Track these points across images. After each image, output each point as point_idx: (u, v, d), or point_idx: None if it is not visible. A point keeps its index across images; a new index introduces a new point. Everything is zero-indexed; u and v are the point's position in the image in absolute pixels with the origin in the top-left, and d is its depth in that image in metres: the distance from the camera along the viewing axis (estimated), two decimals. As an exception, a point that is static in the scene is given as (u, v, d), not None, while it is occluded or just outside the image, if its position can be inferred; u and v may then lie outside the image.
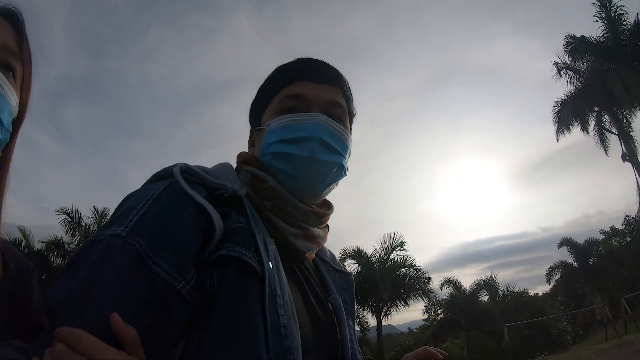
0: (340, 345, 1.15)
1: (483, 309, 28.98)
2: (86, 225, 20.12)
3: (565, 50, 23.62)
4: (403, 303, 24.35)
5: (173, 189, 0.94)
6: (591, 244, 30.37)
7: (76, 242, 19.71)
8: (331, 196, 1.29)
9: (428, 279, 24.59)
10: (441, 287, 29.88)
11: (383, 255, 24.09)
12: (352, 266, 23.74)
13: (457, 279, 30.18)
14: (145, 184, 1.03)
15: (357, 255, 24.65)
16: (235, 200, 1.01)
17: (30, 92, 1.05)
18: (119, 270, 0.81)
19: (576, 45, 23.28)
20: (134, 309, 0.79)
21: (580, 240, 30.01)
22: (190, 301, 0.86)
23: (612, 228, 33.42)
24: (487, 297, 31.21)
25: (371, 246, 24.08)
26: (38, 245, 19.64)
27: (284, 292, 0.96)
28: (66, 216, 19.96)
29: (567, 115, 24.77)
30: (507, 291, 30.74)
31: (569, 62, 23.96)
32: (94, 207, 20.60)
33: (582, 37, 23.10)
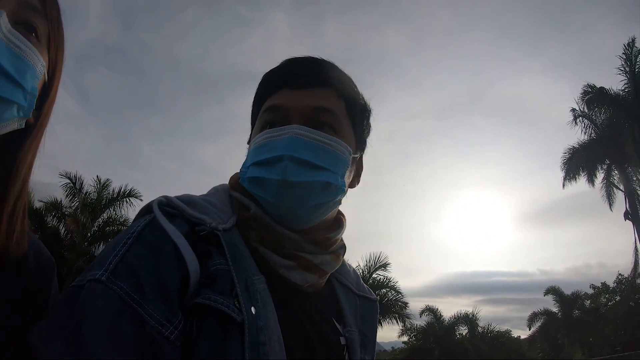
0: None
1: (458, 343, 28.62)
2: (86, 192, 19.68)
3: (582, 99, 23.23)
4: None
5: (153, 226, 0.89)
6: (577, 297, 30.10)
7: (74, 206, 19.29)
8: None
9: (405, 304, 24.33)
10: (421, 314, 29.83)
11: (366, 273, 23.59)
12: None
13: (437, 308, 30.02)
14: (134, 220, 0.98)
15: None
16: (213, 236, 0.93)
17: (62, 53, 0.95)
18: (103, 318, 0.76)
19: (594, 96, 22.81)
20: (124, 357, 0.74)
21: (580, 287, 29.66)
22: (179, 345, 0.81)
23: (603, 284, 32.84)
24: (467, 331, 30.77)
25: (361, 260, 23.76)
26: (38, 204, 18.96)
27: (271, 338, 0.88)
28: (69, 181, 19.57)
29: (576, 164, 24.40)
30: (488, 329, 30.43)
31: (586, 111, 23.63)
32: (97, 177, 20.16)
33: (601, 88, 22.63)
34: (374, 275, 23.80)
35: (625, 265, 31.56)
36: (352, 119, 1.13)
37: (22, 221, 0.89)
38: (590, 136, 23.99)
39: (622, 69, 22.31)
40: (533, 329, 31.70)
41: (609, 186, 25.00)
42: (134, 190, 20.16)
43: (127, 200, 20.04)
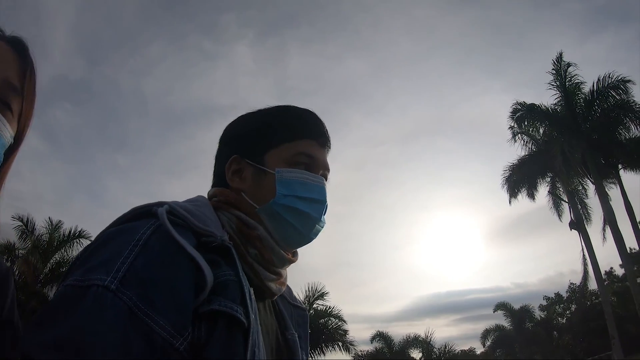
0: None
1: None
2: (39, 234, 19.99)
3: (512, 118, 23.38)
4: (319, 351, 24.30)
5: (161, 234, 0.90)
6: (526, 310, 30.24)
7: (27, 248, 19.51)
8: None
9: (345, 332, 24.78)
10: (372, 340, 30.12)
11: (306, 303, 23.86)
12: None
13: (388, 333, 30.06)
14: (122, 219, 0.98)
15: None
16: (222, 248, 0.99)
17: (30, 123, 1.04)
18: (112, 328, 0.75)
19: (525, 113, 22.97)
20: None
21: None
22: (186, 356, 0.83)
23: (557, 294, 33.11)
24: (421, 355, 30.68)
25: (300, 292, 24.32)
26: None
27: (260, 342, 0.97)
28: (21, 223, 19.93)
29: (517, 180, 24.63)
30: (445, 349, 30.29)
31: (519, 128, 23.89)
32: (49, 219, 20.67)
33: (532, 104, 22.77)
34: (315, 305, 24.32)
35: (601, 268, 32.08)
36: None
37: None
38: (531, 152, 24.23)
39: (553, 83, 22.70)
40: (487, 344, 31.76)
41: (555, 198, 25.40)
42: (83, 231, 20.55)
43: (78, 241, 20.34)
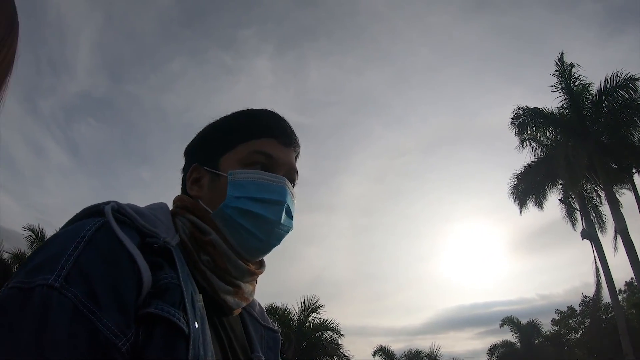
0: None
1: None
2: None
3: (513, 124, 21.92)
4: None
5: (106, 231, 0.90)
6: (533, 325, 29.04)
7: None
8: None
9: (339, 345, 24.53)
10: (374, 354, 29.63)
11: (301, 316, 23.92)
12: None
13: (389, 348, 29.31)
14: (73, 219, 0.97)
15: (275, 313, 24.00)
16: (166, 250, 0.97)
17: (9, 60, 0.76)
18: (60, 328, 0.75)
19: (527, 118, 21.59)
20: None
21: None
22: (128, 358, 0.81)
23: (570, 308, 31.52)
24: None
25: (295, 305, 24.50)
26: (5, 255, 20.72)
27: (207, 352, 0.92)
28: (32, 233, 21.25)
29: (524, 188, 23.29)
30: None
31: (527, 134, 22.58)
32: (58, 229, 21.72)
33: (535, 108, 21.35)
34: (310, 318, 24.25)
35: (623, 279, 30.61)
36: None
37: None
38: (538, 158, 22.99)
39: (558, 86, 21.43)
40: None
41: (568, 206, 24.07)
42: None
43: None
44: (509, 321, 30.32)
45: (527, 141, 22.71)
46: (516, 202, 23.46)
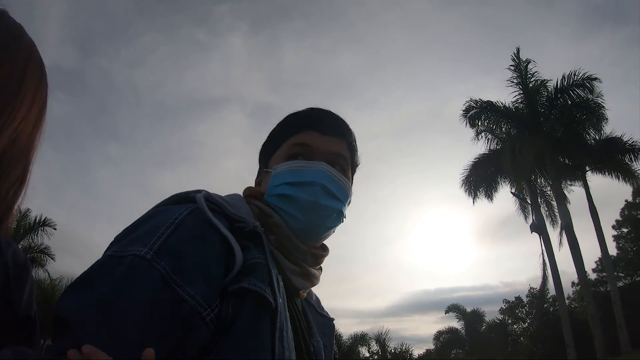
0: None
1: None
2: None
3: (464, 116, 22.11)
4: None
5: (197, 215, 0.98)
6: (477, 313, 29.53)
7: None
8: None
9: None
10: None
11: None
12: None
13: (338, 331, 28.93)
14: (162, 204, 1.04)
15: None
16: (253, 234, 1.05)
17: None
18: (143, 293, 0.82)
19: (479, 111, 21.80)
20: (156, 332, 0.80)
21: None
22: (212, 327, 0.88)
23: (517, 298, 32.12)
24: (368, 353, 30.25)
25: (321, 284, 23.65)
26: None
27: (288, 327, 1.00)
28: None
29: (476, 179, 23.49)
30: (403, 348, 29.80)
31: (486, 126, 22.76)
32: (18, 207, 21.02)
33: (489, 101, 21.54)
34: None
35: (573, 272, 31.21)
36: (353, 167, 1.38)
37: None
38: (488, 150, 23.14)
39: (513, 81, 21.58)
40: (431, 346, 31.33)
41: (519, 199, 24.34)
42: (48, 219, 22.26)
43: (43, 228, 22.33)
44: (454, 308, 30.92)
45: (483, 133, 22.91)
46: (467, 192, 23.72)
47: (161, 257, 0.87)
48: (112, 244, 0.94)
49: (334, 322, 1.45)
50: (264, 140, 1.41)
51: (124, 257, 0.86)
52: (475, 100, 21.71)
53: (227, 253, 0.96)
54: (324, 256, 1.29)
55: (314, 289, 1.37)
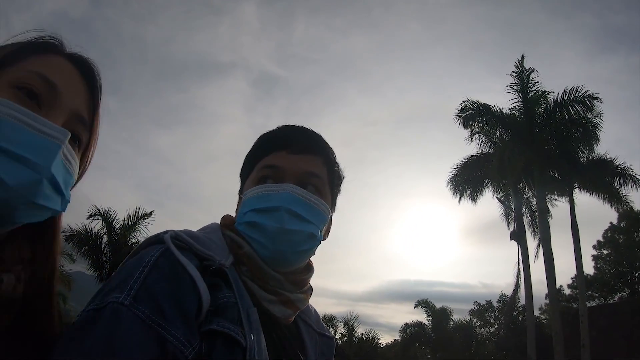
0: None
1: None
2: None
3: (459, 116, 21.69)
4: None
5: (167, 256, 0.99)
6: (444, 311, 29.68)
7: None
8: None
9: None
10: None
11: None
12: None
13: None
14: (137, 248, 1.07)
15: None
16: (222, 271, 1.05)
17: (90, 158, 1.02)
18: (129, 338, 0.82)
19: (474, 113, 21.44)
20: None
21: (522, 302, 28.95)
22: None
23: (488, 302, 32.22)
24: (334, 333, 30.00)
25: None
26: None
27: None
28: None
29: (462, 180, 23.28)
30: (370, 335, 30.07)
31: (480, 129, 22.47)
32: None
33: (486, 105, 21.18)
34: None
35: (565, 280, 31.31)
36: (331, 183, 1.33)
37: (52, 299, 0.97)
38: (478, 153, 22.90)
39: (513, 87, 21.23)
40: (391, 337, 31.71)
41: (504, 205, 24.23)
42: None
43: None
44: (423, 303, 30.83)
45: (477, 135, 22.67)
46: (453, 192, 23.55)
47: (139, 302, 0.87)
48: (92, 298, 0.93)
49: (333, 340, 1.45)
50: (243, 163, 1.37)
51: (104, 307, 0.86)
52: (472, 102, 21.34)
53: (198, 293, 0.96)
54: (308, 279, 1.28)
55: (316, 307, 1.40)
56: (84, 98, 0.95)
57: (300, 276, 1.25)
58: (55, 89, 0.89)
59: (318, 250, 1.28)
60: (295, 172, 1.23)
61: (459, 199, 23.58)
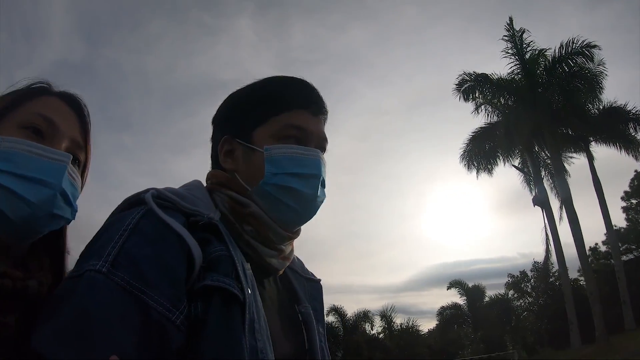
0: (309, 353, 1.17)
1: (360, 341, 27.84)
2: None
3: (458, 90, 21.11)
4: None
5: (150, 217, 0.94)
6: (478, 288, 29.10)
7: None
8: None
9: None
10: (327, 314, 28.94)
11: None
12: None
13: (342, 307, 29.65)
14: (116, 210, 1.03)
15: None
16: (212, 226, 1.01)
17: (87, 173, 1.18)
18: (106, 307, 0.79)
19: (473, 84, 20.84)
20: (133, 345, 0.78)
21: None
22: (183, 330, 0.86)
23: (522, 272, 31.36)
24: (375, 328, 30.30)
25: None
26: None
27: (260, 316, 0.97)
28: None
29: (475, 153, 22.75)
30: (408, 324, 29.73)
31: (482, 99, 21.82)
32: None
33: (483, 74, 20.60)
34: None
35: (600, 240, 30.50)
36: None
37: None
38: (486, 124, 22.33)
39: (509, 51, 20.59)
40: (435, 322, 31.28)
41: (521, 172, 23.61)
42: None
43: None
44: (456, 284, 30.53)
45: (482, 106, 22.07)
46: (467, 167, 23.05)
47: (117, 268, 0.83)
48: (75, 265, 0.91)
49: (321, 282, 1.42)
50: (234, 100, 1.28)
51: (80, 275, 0.83)
52: (469, 73, 20.83)
53: (187, 251, 0.91)
54: (297, 236, 1.25)
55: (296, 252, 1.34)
56: (76, 126, 1.12)
57: (296, 234, 1.23)
58: (54, 124, 1.06)
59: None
60: (317, 137, 1.20)
61: (477, 173, 23.09)
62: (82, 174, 1.14)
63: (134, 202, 1.00)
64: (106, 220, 1.00)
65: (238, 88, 1.28)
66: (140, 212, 0.95)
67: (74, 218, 1.08)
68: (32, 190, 0.96)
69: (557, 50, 19.77)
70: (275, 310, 1.12)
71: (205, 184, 1.21)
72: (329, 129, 1.27)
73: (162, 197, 1.00)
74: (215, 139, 1.26)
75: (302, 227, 1.23)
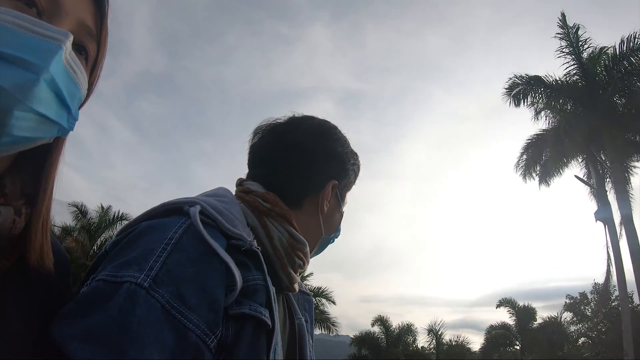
0: None
1: (396, 355, 27.02)
2: (89, 218, 24.16)
3: (508, 94, 19.42)
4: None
5: (193, 235, 0.91)
6: (529, 309, 27.24)
7: (78, 227, 23.73)
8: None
9: (323, 312, 24.98)
10: (372, 324, 29.75)
11: None
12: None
13: (388, 318, 29.40)
14: (152, 215, 0.98)
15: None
16: (250, 252, 1.00)
17: (100, 75, 0.95)
18: (143, 322, 0.76)
19: (525, 88, 19.12)
20: None
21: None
22: (214, 352, 0.85)
23: (582, 294, 28.56)
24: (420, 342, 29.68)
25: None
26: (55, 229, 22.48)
27: (279, 341, 0.99)
28: (76, 209, 23.87)
29: (533, 161, 20.94)
30: (456, 340, 28.57)
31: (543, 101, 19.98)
32: (100, 205, 24.79)
33: (536, 76, 18.79)
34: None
35: None
36: None
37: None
38: (543, 130, 20.51)
39: (564, 50, 18.70)
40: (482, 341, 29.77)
41: (583, 182, 21.45)
42: (126, 214, 23.96)
43: (121, 222, 23.56)
44: (506, 302, 29.41)
45: (542, 111, 20.28)
46: (523, 177, 21.29)
47: (159, 285, 0.80)
48: (103, 263, 0.87)
49: (312, 296, 1.50)
50: (348, 152, 1.35)
51: (119, 283, 0.79)
52: (520, 76, 19.06)
53: (227, 275, 0.89)
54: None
55: None
56: (88, 7, 0.87)
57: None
58: None
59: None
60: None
61: (539, 185, 21.26)
62: (91, 74, 0.91)
63: (174, 211, 0.96)
64: (141, 219, 0.96)
65: (335, 127, 1.36)
66: (183, 227, 0.90)
67: (71, 128, 0.83)
68: (5, 73, 0.68)
69: (617, 47, 17.73)
70: (281, 325, 1.16)
71: (235, 190, 1.26)
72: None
73: (206, 214, 0.96)
74: (314, 168, 1.27)
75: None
